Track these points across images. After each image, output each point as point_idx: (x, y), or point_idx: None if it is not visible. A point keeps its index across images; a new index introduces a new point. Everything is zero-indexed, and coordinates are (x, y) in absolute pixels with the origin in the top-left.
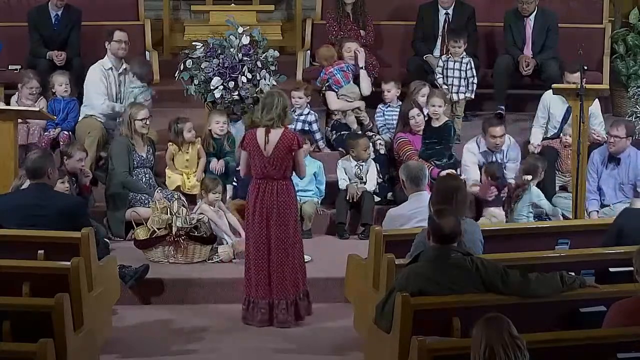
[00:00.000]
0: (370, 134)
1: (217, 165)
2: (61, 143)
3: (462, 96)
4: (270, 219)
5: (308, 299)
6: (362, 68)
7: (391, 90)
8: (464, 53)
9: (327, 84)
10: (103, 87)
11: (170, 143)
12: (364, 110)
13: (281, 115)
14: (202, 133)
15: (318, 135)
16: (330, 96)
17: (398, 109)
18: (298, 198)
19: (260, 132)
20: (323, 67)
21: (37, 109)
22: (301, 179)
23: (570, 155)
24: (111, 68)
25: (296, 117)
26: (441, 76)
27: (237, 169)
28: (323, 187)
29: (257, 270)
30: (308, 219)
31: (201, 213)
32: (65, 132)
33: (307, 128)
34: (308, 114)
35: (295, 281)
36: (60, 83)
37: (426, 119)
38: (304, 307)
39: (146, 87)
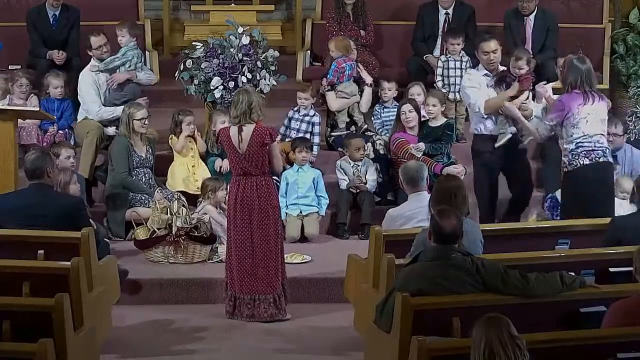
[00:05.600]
0: (370, 133)
1: (222, 164)
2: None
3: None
4: (252, 215)
5: (285, 294)
6: (369, 85)
7: (392, 89)
8: (463, 52)
9: (328, 81)
10: (95, 94)
11: (171, 137)
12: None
13: (247, 112)
14: (203, 133)
15: (317, 139)
16: (330, 96)
17: (394, 109)
18: (299, 209)
19: (233, 130)
20: (332, 59)
21: (37, 109)
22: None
23: None
24: (97, 71)
25: (301, 118)
26: (441, 77)
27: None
28: (325, 194)
29: (240, 267)
30: (311, 238)
31: (205, 213)
32: (61, 132)
33: (310, 130)
34: (314, 115)
35: (277, 275)
36: (56, 86)
37: (423, 119)
38: (285, 301)
39: (136, 45)
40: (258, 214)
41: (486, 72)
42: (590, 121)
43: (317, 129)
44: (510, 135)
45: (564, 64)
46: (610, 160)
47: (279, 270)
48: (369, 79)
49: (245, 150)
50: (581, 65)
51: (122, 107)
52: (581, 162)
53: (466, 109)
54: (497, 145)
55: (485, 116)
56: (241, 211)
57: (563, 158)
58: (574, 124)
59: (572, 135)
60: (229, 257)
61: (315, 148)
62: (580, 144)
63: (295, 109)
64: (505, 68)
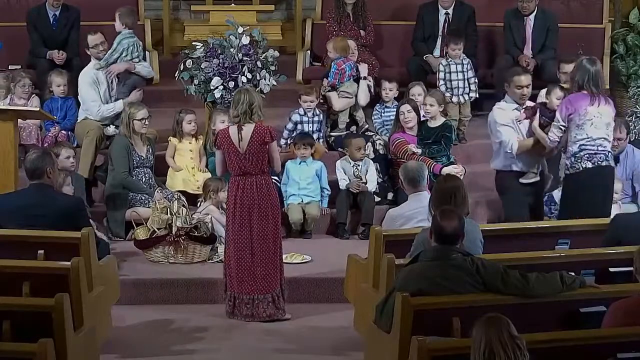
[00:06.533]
0: (370, 133)
1: None
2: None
3: (466, 97)
4: (252, 214)
5: (283, 294)
6: (363, 78)
7: (393, 89)
8: (463, 55)
9: (329, 83)
10: (94, 93)
11: (170, 138)
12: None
13: (247, 112)
14: (202, 132)
15: (322, 133)
16: (333, 96)
17: (394, 109)
18: (300, 199)
19: (232, 130)
20: (332, 60)
21: (37, 108)
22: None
23: None
24: (100, 68)
25: (311, 119)
26: (443, 80)
27: None
28: (328, 185)
29: (239, 266)
30: (312, 221)
31: (207, 213)
32: (64, 132)
33: (320, 128)
34: (320, 113)
35: (276, 274)
36: (58, 84)
37: (422, 119)
38: (283, 302)
39: (133, 34)
40: (258, 213)
41: (516, 106)
42: (595, 124)
43: (324, 124)
44: (538, 178)
45: (575, 64)
46: (613, 164)
47: (277, 269)
48: (364, 71)
49: (245, 149)
50: (590, 67)
51: (122, 102)
52: (584, 166)
53: (470, 110)
54: (523, 181)
55: (515, 156)
56: (240, 211)
57: (565, 160)
58: (578, 124)
59: (575, 137)
60: (227, 257)
61: (321, 142)
62: (583, 147)
63: (302, 113)
64: (533, 104)
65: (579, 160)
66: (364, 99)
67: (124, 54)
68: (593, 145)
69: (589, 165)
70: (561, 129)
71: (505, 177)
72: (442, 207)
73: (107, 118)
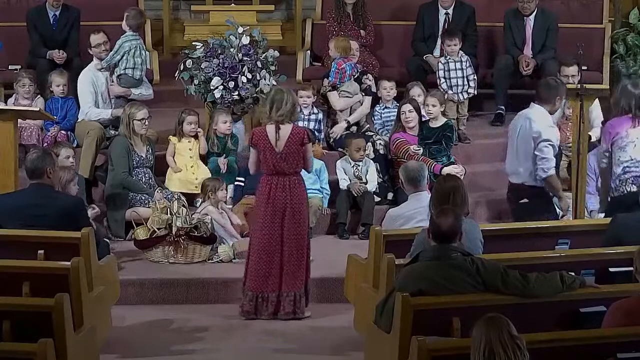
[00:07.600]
0: (370, 133)
1: (224, 161)
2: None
3: (465, 95)
4: (285, 213)
5: (307, 294)
6: (370, 92)
7: (393, 89)
8: (462, 52)
9: (330, 83)
10: (89, 93)
11: (170, 137)
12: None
13: (291, 112)
14: (204, 132)
15: (322, 135)
16: (333, 96)
17: (395, 109)
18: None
19: (270, 129)
20: (332, 59)
21: (37, 108)
22: (308, 172)
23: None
24: (101, 69)
25: (307, 117)
26: (444, 79)
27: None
28: (328, 186)
29: (268, 264)
30: (314, 214)
31: (206, 214)
32: (63, 132)
33: (317, 127)
34: (318, 112)
35: (302, 273)
36: (58, 84)
37: (424, 119)
38: (305, 302)
39: (137, 36)
40: (290, 211)
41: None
42: (638, 145)
43: (322, 125)
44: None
45: (617, 88)
46: None
47: (303, 268)
48: (374, 87)
49: (282, 149)
50: (635, 90)
51: (110, 112)
52: (628, 189)
53: (467, 109)
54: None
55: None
56: (273, 209)
57: (610, 183)
58: (621, 146)
59: (619, 159)
60: (250, 257)
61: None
62: (627, 169)
63: (297, 110)
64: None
65: (624, 184)
66: (365, 111)
67: (125, 57)
68: (637, 167)
69: (634, 188)
70: (606, 155)
71: (543, 196)
72: (440, 207)
73: (94, 121)
